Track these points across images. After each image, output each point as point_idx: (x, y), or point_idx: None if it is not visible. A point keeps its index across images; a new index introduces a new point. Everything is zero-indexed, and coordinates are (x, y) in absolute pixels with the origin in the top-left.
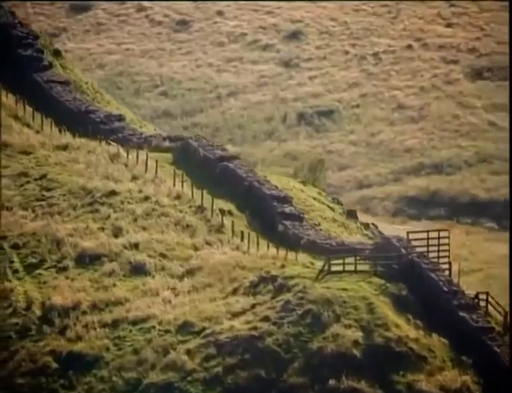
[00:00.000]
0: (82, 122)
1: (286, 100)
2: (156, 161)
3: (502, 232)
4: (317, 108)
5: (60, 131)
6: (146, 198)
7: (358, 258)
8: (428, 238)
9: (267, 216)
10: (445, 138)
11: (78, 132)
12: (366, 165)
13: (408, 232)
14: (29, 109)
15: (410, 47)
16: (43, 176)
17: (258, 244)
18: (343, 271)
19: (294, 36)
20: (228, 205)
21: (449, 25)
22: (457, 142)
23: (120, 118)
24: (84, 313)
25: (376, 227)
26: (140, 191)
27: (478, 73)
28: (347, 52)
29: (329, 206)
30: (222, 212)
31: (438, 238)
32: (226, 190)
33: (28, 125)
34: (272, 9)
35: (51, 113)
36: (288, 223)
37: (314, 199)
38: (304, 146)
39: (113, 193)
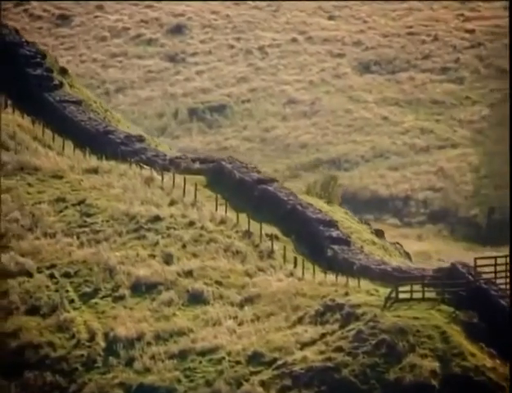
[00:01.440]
0: (101, 143)
1: (176, 95)
2: (195, 185)
3: (406, 229)
4: (208, 104)
5: (84, 153)
6: (191, 223)
7: (420, 284)
8: (495, 264)
9: (314, 240)
10: (339, 133)
11: (101, 153)
12: (262, 161)
13: (476, 259)
14: (46, 130)
15: (295, 40)
16: (82, 201)
17: (314, 271)
18: (411, 299)
19: (178, 30)
20: (273, 230)
21: (331, 18)
22: (352, 137)
23: (141, 139)
24: (149, 344)
25: (401, 246)
26: (183, 216)
27: (366, 66)
28: (232, 46)
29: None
30: (269, 237)
31: (506, 264)
32: (267, 213)
33: (49, 147)
34: (153, 3)
35: (68, 134)
36: (336, 247)
37: (346, 220)
38: (198, 143)
39: (157, 219)
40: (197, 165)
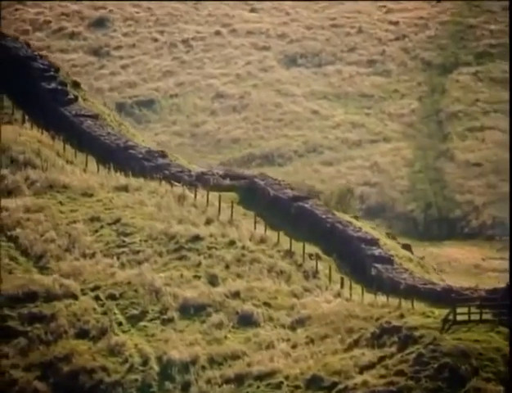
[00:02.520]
0: (123, 158)
1: (102, 90)
2: (232, 203)
3: None
4: (136, 98)
5: (108, 170)
6: (232, 243)
7: (474, 305)
8: None
9: (356, 259)
10: (270, 128)
11: (123, 169)
12: (194, 157)
13: None
14: (65, 145)
15: (218, 33)
16: (117, 220)
17: (362, 292)
18: (469, 321)
19: (100, 23)
20: (313, 249)
21: (253, 10)
22: (283, 131)
23: (163, 154)
24: (204, 367)
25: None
26: (223, 236)
27: (292, 59)
28: (156, 40)
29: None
30: (310, 256)
31: None
32: (305, 232)
33: (71, 163)
34: None
35: (87, 149)
36: (379, 266)
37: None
38: None
39: (197, 238)
40: (227, 182)
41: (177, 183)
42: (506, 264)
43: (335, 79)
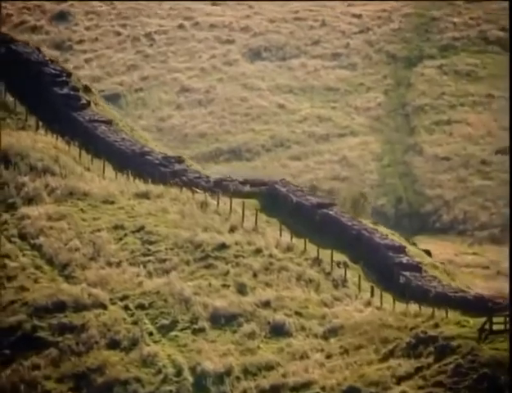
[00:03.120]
0: (139, 164)
1: None
2: (256, 211)
3: None
4: (101, 93)
5: (127, 176)
6: (258, 251)
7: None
8: None
9: (384, 267)
10: (237, 122)
11: (139, 175)
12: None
13: None
14: (79, 150)
15: (181, 26)
16: (141, 228)
17: (394, 301)
18: (505, 330)
19: (62, 17)
20: (340, 256)
21: (215, 4)
22: (250, 125)
23: (179, 160)
24: (238, 378)
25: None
26: (249, 244)
27: (256, 53)
28: (119, 33)
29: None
30: (338, 264)
31: None
32: (330, 239)
33: (88, 169)
34: None
35: (102, 155)
36: (407, 274)
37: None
38: None
39: (223, 246)
40: (247, 188)
41: (198, 190)
42: (479, 260)
43: (300, 72)
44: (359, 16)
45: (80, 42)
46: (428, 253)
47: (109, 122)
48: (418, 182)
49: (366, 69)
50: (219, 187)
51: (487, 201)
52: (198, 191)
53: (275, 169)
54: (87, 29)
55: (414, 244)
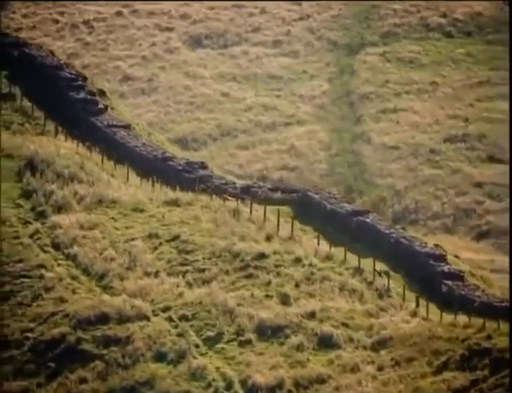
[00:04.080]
0: (161, 170)
1: None
2: (292, 219)
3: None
4: None
5: (153, 183)
6: (298, 260)
7: None
8: None
9: (425, 276)
10: (182, 111)
11: (166, 182)
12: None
13: None
14: (101, 156)
15: (120, 13)
16: (176, 237)
17: (441, 312)
18: None
19: None
20: (380, 265)
21: None
22: (195, 114)
23: (203, 165)
24: (290, 392)
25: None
26: (288, 253)
27: (197, 40)
28: (57, 21)
29: None
30: (382, 273)
31: None
32: (367, 247)
33: (112, 176)
34: None
35: (123, 161)
36: (450, 283)
37: None
38: None
39: (262, 256)
40: (278, 195)
41: (230, 197)
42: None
43: (242, 60)
44: (299, 3)
45: (18, 30)
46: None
47: (127, 126)
48: (368, 171)
49: (308, 56)
50: (247, 193)
51: (438, 190)
52: (229, 198)
53: (223, 158)
54: (25, 16)
55: (444, 251)
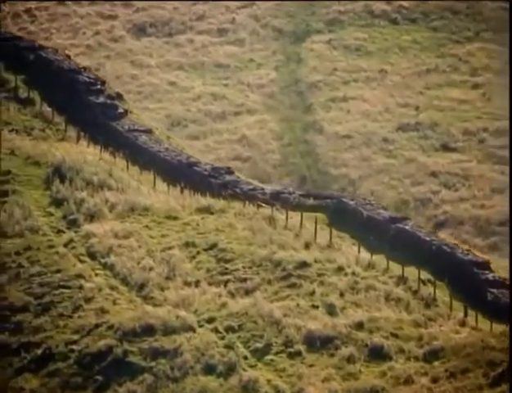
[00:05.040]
0: (187, 175)
1: None
2: (330, 227)
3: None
4: None
5: (181, 190)
6: (340, 269)
7: None
8: None
9: (469, 284)
10: (130, 101)
11: (194, 188)
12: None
13: None
14: (126, 162)
15: (61, 2)
16: (213, 246)
17: (491, 322)
18: None
19: None
20: (422, 274)
21: None
22: (144, 104)
23: (229, 170)
24: None
25: None
26: (329, 261)
27: (142, 29)
28: None
29: None
30: (426, 282)
31: None
32: (407, 255)
33: (139, 182)
34: None
35: (147, 166)
36: (495, 291)
37: None
38: None
39: (304, 265)
40: (311, 201)
41: (264, 204)
42: None
43: (188, 48)
44: None
45: None
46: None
47: (149, 131)
48: (321, 161)
49: (254, 44)
50: (277, 199)
51: (393, 179)
52: (264, 205)
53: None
54: None
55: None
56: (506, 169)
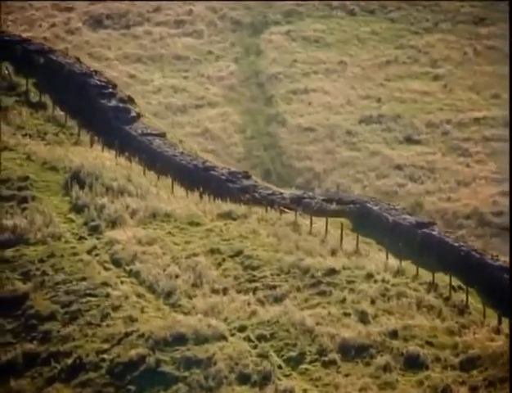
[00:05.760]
0: (204, 180)
1: None
2: (357, 234)
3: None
4: None
5: (200, 195)
6: (369, 276)
7: None
8: None
9: (499, 291)
10: None
11: (214, 194)
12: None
13: None
14: (143, 167)
15: None
16: (239, 253)
17: None
18: None
19: None
20: (452, 279)
21: None
22: None
23: (246, 175)
24: None
25: None
26: (358, 268)
27: (98, 21)
28: None
29: None
30: (457, 289)
31: None
32: (435, 261)
33: (156, 187)
34: None
35: (163, 170)
36: None
37: None
38: None
39: (333, 271)
40: (334, 206)
41: (287, 210)
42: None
43: (146, 40)
44: None
45: None
46: None
47: (162, 135)
48: (285, 154)
49: (212, 36)
50: (298, 204)
51: (358, 173)
52: (286, 211)
53: None
54: None
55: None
56: (471, 161)
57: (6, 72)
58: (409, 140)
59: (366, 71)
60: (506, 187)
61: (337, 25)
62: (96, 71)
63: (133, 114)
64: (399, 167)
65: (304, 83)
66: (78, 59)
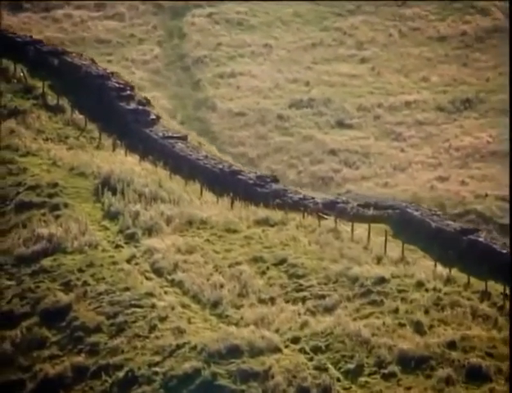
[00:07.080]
0: (231, 184)
1: None
2: (403, 242)
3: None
4: None
5: (232, 201)
6: (420, 284)
7: None
8: None
9: None
10: None
11: (245, 199)
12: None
13: None
14: (169, 172)
15: None
16: (283, 261)
17: None
18: None
19: None
20: (501, 288)
21: None
22: None
23: (274, 178)
24: None
25: None
26: (407, 276)
27: (17, 4)
28: None
29: None
30: (507, 296)
31: None
32: (483, 268)
33: (186, 192)
34: None
35: (188, 175)
36: None
37: None
38: None
39: (382, 280)
40: (371, 212)
41: (326, 216)
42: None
43: (67, 24)
44: None
45: None
46: None
47: (184, 138)
48: (218, 139)
49: (133, 19)
50: (332, 209)
51: (292, 158)
52: (326, 217)
53: None
54: None
55: None
56: (405, 146)
57: (22, 74)
58: (341, 124)
59: (292, 54)
60: (443, 173)
61: (260, 7)
62: (112, 73)
63: (152, 116)
64: (333, 152)
65: (231, 66)
66: (93, 60)
